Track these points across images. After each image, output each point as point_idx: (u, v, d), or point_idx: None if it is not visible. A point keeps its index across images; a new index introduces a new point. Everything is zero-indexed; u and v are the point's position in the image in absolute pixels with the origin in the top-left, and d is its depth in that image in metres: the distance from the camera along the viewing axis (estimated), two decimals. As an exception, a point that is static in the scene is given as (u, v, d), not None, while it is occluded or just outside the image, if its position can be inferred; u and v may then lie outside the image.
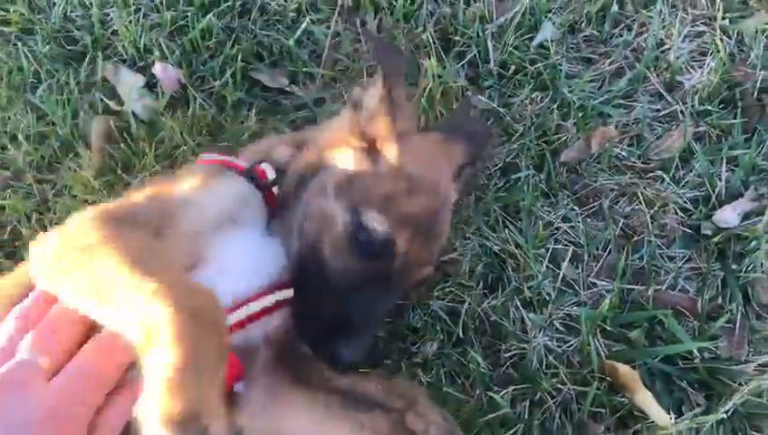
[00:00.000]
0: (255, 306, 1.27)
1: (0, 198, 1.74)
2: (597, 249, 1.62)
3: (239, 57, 1.86)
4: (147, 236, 1.11)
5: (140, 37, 1.89)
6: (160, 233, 1.14)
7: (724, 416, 1.37)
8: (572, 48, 1.90)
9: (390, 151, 1.28)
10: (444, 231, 1.34)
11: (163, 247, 1.12)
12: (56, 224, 1.62)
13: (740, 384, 1.41)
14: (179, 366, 0.87)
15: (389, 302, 1.30)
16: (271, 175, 1.34)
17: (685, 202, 1.64)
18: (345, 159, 1.31)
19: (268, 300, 1.29)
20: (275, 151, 1.41)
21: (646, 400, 1.40)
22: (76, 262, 1.01)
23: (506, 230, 1.62)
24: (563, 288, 1.58)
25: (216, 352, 0.94)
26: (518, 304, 1.55)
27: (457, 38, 1.88)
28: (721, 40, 1.82)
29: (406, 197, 1.25)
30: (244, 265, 1.28)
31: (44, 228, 1.69)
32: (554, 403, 1.45)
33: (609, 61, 1.86)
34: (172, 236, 1.16)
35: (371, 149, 1.31)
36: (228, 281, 1.24)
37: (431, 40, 1.85)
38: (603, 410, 1.43)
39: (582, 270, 1.60)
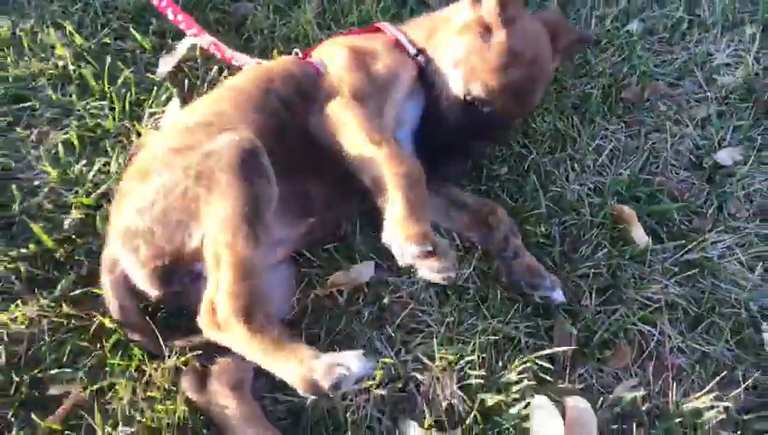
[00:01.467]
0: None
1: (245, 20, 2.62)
2: (629, 156, 2.36)
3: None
4: (372, 113, 1.81)
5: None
6: (381, 104, 1.88)
7: (692, 257, 2.07)
8: (648, 43, 2.70)
9: (499, 35, 1.86)
10: (538, 95, 1.96)
11: (382, 121, 1.84)
12: (284, 37, 2.49)
13: (701, 241, 2.11)
14: (407, 206, 1.62)
15: (485, 139, 2.05)
16: (413, 52, 2.03)
17: (696, 141, 2.38)
18: (465, 41, 1.93)
19: None
20: (415, 34, 2.08)
21: (637, 229, 2.10)
22: (340, 122, 1.79)
23: (573, 123, 2.39)
24: (599, 169, 2.32)
25: (423, 198, 1.67)
26: (568, 165, 2.29)
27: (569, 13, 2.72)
28: (752, 63, 2.59)
29: (508, 69, 1.86)
30: (416, 125, 2.02)
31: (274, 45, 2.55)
32: (575, 224, 2.16)
33: (671, 56, 2.65)
34: (389, 106, 1.91)
35: (484, 34, 1.89)
36: (410, 136, 2.01)
37: (554, 7, 2.69)
38: (605, 233, 2.13)
39: (615, 165, 2.34)
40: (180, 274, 1.70)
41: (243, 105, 1.85)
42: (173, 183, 1.62)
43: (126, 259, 1.72)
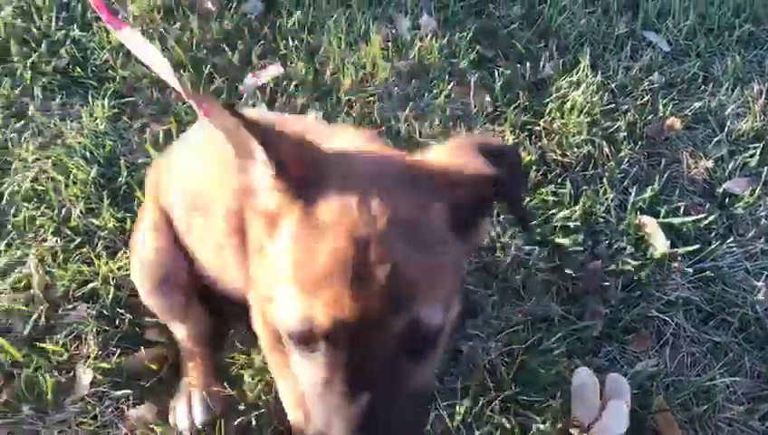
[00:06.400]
0: None
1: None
2: (651, 180, 2.70)
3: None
4: None
5: None
6: None
7: (704, 265, 2.38)
8: (667, 93, 3.08)
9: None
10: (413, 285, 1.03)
11: None
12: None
13: (713, 251, 2.42)
14: None
15: None
16: None
17: (709, 172, 2.73)
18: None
19: None
20: None
21: (658, 236, 2.42)
22: None
23: (602, 150, 2.74)
24: (624, 188, 2.65)
25: None
26: (597, 183, 2.63)
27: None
28: (759, 114, 2.96)
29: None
30: None
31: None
32: (602, 231, 2.48)
33: (687, 104, 3.03)
34: None
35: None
36: None
37: (587, 55, 3.10)
38: (630, 238, 2.45)
39: (638, 187, 2.68)
40: None
41: None
42: None
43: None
